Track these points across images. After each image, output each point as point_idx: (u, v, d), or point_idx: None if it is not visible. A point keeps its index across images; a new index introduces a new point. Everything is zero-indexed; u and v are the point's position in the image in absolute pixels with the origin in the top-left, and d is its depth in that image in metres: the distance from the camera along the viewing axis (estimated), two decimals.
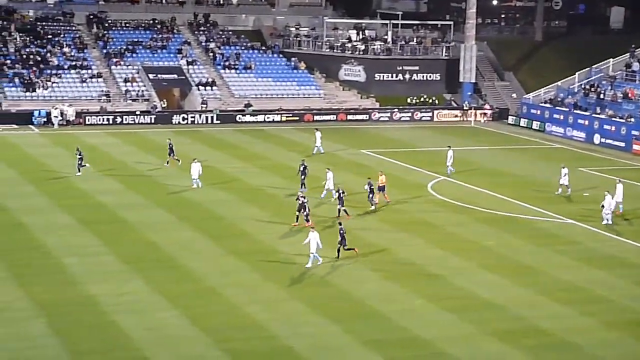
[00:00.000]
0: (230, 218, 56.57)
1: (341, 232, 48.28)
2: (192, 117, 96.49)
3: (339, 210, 57.05)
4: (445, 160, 71.43)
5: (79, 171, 66.67)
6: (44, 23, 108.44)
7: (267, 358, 35.88)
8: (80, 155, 67.07)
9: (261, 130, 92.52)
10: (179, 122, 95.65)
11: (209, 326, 38.48)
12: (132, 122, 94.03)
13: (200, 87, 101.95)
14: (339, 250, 48.27)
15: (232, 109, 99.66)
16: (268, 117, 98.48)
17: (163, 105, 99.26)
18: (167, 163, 70.92)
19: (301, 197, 55.43)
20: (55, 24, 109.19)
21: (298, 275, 45.68)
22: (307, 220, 54.18)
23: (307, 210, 54.63)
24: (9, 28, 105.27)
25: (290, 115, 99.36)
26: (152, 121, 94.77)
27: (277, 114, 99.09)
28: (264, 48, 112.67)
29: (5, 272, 44.68)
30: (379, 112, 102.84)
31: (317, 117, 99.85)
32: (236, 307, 40.95)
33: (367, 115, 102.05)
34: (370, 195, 59.16)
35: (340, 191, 57.63)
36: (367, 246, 51.21)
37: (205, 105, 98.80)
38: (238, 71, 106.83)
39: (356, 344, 37.25)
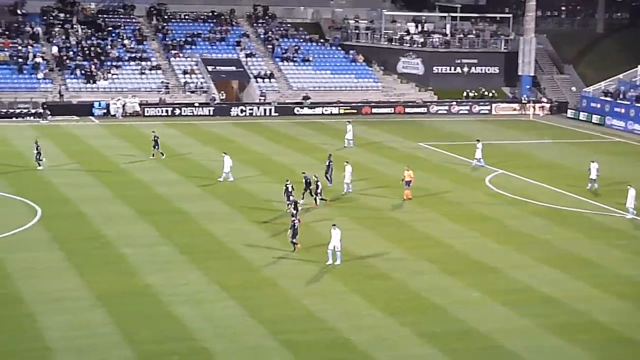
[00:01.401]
0: (280, 210, 56.66)
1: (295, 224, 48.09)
2: (250, 109, 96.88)
3: (315, 199, 57.11)
4: (474, 154, 71.32)
5: (40, 165, 66.01)
6: (105, 15, 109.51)
7: (324, 350, 35.92)
8: (37, 149, 66.27)
9: (319, 122, 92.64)
10: (237, 115, 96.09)
11: (266, 317, 38.63)
12: (191, 113, 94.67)
13: (259, 80, 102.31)
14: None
15: (290, 102, 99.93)
16: (326, 110, 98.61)
17: (221, 97, 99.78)
18: (153, 156, 70.74)
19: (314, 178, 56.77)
20: (116, 16, 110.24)
21: (355, 268, 45.71)
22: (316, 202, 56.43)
23: (318, 189, 56.47)
24: (71, 20, 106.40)
25: (348, 107, 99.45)
26: (211, 113, 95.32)
27: (335, 106, 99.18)
28: (322, 40, 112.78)
29: (66, 262, 45.24)
30: (436, 105, 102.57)
31: (374, 110, 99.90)
32: (293, 299, 41.07)
33: (425, 108, 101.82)
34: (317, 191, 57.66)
35: (317, 180, 57.47)
36: (424, 239, 51.18)
37: (263, 98, 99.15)
38: (296, 64, 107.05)
39: (413, 336, 37.21)
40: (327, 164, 63.31)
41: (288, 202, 54.42)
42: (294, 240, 47.70)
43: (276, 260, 46.33)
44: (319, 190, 57.15)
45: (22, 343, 35.42)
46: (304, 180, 57.67)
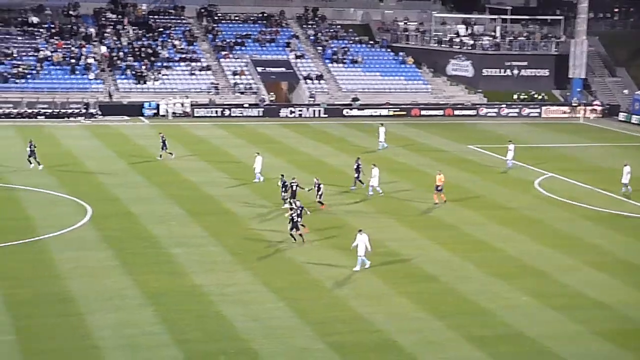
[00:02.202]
0: (335, 211, 56.74)
1: (294, 218, 48.83)
2: (299, 110, 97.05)
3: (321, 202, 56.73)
4: (506, 155, 71.16)
5: (30, 163, 65.83)
6: (155, 16, 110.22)
7: (371, 352, 35.87)
8: (31, 148, 66.07)
9: (368, 124, 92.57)
10: (286, 116, 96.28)
11: (314, 319, 38.66)
12: (240, 114, 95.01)
13: (308, 81, 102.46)
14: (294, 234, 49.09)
15: (339, 103, 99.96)
16: (375, 112, 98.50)
17: (271, 98, 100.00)
18: (160, 157, 70.79)
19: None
20: (166, 17, 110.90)
21: (402, 270, 45.63)
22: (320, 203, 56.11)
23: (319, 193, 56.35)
24: (122, 21, 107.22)
25: (397, 109, 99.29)
26: (260, 114, 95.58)
27: (384, 108, 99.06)
28: (371, 42, 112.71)
29: (116, 261, 45.57)
30: (486, 108, 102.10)
31: (423, 112, 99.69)
32: (341, 301, 41.06)
33: (474, 111, 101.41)
34: (318, 194, 57.40)
35: (319, 183, 57.16)
36: (472, 242, 50.98)
37: (312, 99, 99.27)
38: (346, 65, 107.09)
39: (460, 339, 37.06)
40: (355, 167, 62.96)
41: (290, 200, 54.96)
42: (292, 232, 48.74)
43: (325, 263, 46.30)
44: (320, 192, 56.78)
45: (72, 341, 35.72)
46: (280, 184, 57.14)
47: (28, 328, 36.67)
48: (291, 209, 49.94)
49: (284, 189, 56.55)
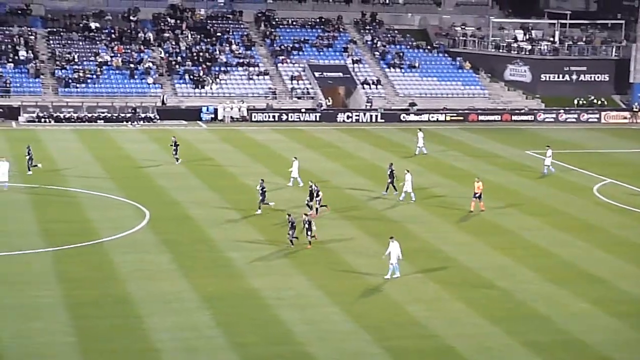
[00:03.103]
0: (393, 217, 56.71)
1: (293, 222, 48.88)
2: (356, 115, 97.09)
3: (316, 209, 55.85)
4: (544, 160, 70.67)
5: (29, 170, 65.68)
6: (214, 21, 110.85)
7: (428, 357, 35.85)
8: (29, 154, 66.16)
9: (424, 129, 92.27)
10: (343, 121, 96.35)
11: (370, 323, 38.68)
12: (297, 119, 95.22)
13: (365, 86, 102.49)
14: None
15: (397, 108, 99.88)
16: (432, 117, 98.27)
17: (328, 103, 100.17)
18: (178, 161, 70.70)
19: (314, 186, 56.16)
20: (224, 22, 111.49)
21: (459, 276, 45.51)
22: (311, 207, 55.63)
23: (317, 199, 55.57)
24: (181, 26, 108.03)
25: (455, 115, 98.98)
26: (317, 119, 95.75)
27: (442, 113, 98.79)
28: (429, 47, 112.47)
29: (173, 264, 45.93)
30: (544, 113, 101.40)
31: (481, 117, 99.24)
32: (397, 305, 41.05)
33: (532, 116, 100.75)
34: (317, 200, 56.47)
35: (316, 188, 56.47)
36: (530, 247, 50.72)
37: (369, 104, 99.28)
38: (403, 70, 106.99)
39: (518, 345, 36.87)
40: (388, 173, 62.67)
41: (310, 204, 55.42)
42: (292, 238, 48.90)
43: (381, 267, 46.25)
44: (319, 199, 56.05)
45: (131, 343, 36.09)
46: (260, 189, 56.81)
47: (88, 329, 37.10)
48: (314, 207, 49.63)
49: (262, 195, 56.34)
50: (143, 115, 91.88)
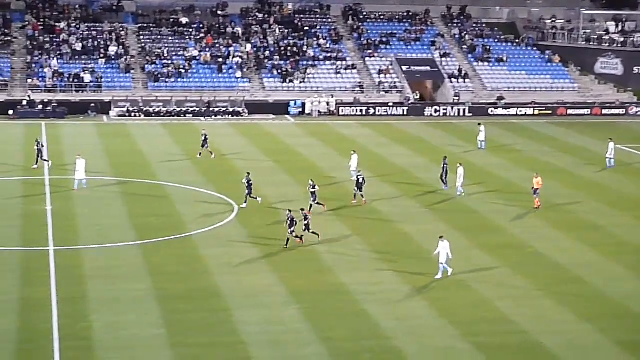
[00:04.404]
0: (482, 211, 56.38)
1: (292, 218, 47.81)
2: (444, 109, 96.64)
3: (311, 206, 54.77)
4: (606, 153, 69.64)
5: (36, 163, 65.62)
6: (301, 15, 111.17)
7: (516, 353, 35.57)
8: (38, 147, 66.24)
9: (512, 123, 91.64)
10: (430, 115, 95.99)
11: (458, 319, 38.53)
12: (385, 113, 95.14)
13: (453, 80, 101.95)
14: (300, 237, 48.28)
15: (484, 102, 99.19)
16: (520, 111, 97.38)
17: (416, 97, 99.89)
18: (200, 154, 70.59)
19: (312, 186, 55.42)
20: (312, 16, 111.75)
21: (549, 272, 45.06)
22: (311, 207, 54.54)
23: (313, 199, 54.93)
24: (269, 20, 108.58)
25: (543, 108, 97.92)
26: (405, 113, 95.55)
27: (530, 107, 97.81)
28: (517, 41, 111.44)
29: (261, 258, 46.20)
30: (636, 107, 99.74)
31: (570, 111, 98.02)
32: (486, 301, 40.81)
33: (624, 110, 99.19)
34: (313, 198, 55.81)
35: (314, 185, 55.65)
36: (621, 244, 50.06)
37: (457, 98, 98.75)
38: (491, 64, 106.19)
39: (608, 343, 36.40)
40: (442, 166, 62.13)
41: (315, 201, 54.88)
42: (291, 236, 47.84)
43: (469, 263, 46.06)
44: (314, 196, 55.41)
45: (220, 336, 36.44)
46: (245, 182, 56.29)
47: (178, 322, 37.54)
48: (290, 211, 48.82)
49: (248, 188, 55.97)
50: (232, 110, 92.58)
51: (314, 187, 55.24)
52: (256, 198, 56.60)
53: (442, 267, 43.69)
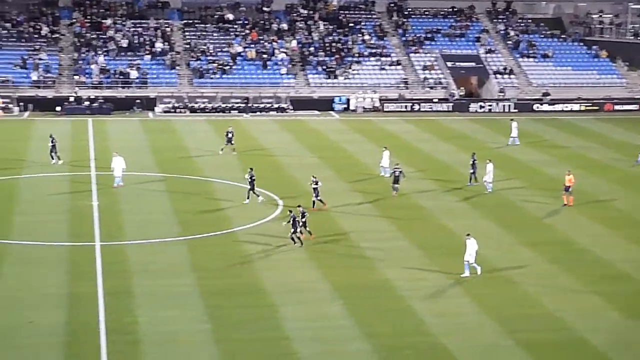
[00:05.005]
0: (526, 207, 56.12)
1: (294, 218, 46.98)
2: (489, 105, 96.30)
3: (314, 202, 54.58)
4: None
5: (52, 159, 65.80)
6: (346, 12, 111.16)
7: (560, 350, 35.37)
8: (52, 142, 66.11)
9: (558, 119, 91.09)
10: (475, 111, 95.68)
11: (502, 315, 38.38)
12: (429, 109, 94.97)
13: (498, 76, 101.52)
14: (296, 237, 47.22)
15: (530, 98, 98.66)
16: (566, 107, 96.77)
17: (460, 93, 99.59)
18: (222, 150, 70.57)
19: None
20: (357, 12, 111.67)
21: (594, 268, 44.78)
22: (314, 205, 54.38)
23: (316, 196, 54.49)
24: (313, 17, 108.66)
25: (590, 104, 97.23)
26: (449, 109, 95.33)
27: (576, 103, 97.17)
28: (563, 36, 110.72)
29: (306, 254, 46.25)
30: None
31: (617, 107, 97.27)
32: (531, 297, 40.63)
33: None
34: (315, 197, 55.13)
35: (317, 181, 55.02)
36: None
37: (502, 94, 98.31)
38: (536, 59, 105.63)
39: None
40: (471, 162, 61.76)
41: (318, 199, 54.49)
42: (294, 236, 47.06)
43: (513, 259, 45.89)
44: (316, 192, 54.97)
45: (264, 332, 36.54)
46: (248, 178, 56.08)
47: (222, 318, 37.72)
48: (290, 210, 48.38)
49: (250, 184, 55.78)
50: (276, 106, 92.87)
51: (316, 183, 55.03)
52: (258, 196, 56.45)
53: (467, 265, 43.22)
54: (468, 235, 43.57)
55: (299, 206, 49.19)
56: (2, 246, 46.83)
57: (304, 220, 47.97)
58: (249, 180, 56.22)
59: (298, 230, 47.28)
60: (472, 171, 61.32)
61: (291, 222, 47.36)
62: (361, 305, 39.46)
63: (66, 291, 40.47)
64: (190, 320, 37.56)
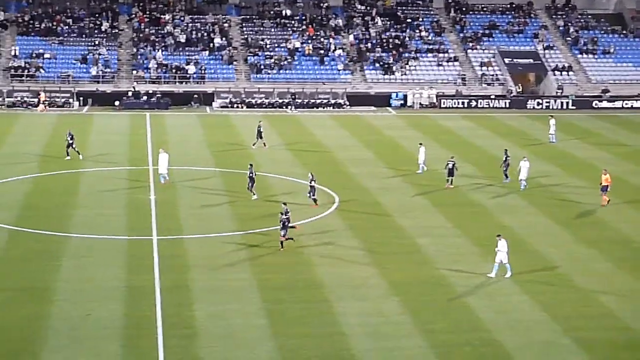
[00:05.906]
0: (583, 205, 55.69)
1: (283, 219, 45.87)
2: (547, 102, 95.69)
3: (314, 200, 54.13)
4: None
5: (68, 155, 65.69)
6: (403, 7, 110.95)
7: (618, 349, 35.04)
8: (71, 138, 66.07)
9: (618, 117, 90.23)
10: (533, 107, 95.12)
11: (560, 313, 38.11)
12: (487, 106, 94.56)
13: (556, 72, 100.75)
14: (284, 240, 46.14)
15: (589, 95, 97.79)
16: (626, 103, 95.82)
17: (518, 90, 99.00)
18: (254, 145, 70.70)
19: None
20: (414, 8, 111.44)
21: None
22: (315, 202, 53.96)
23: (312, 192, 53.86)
24: (370, 12, 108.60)
25: None
26: (507, 105, 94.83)
27: (637, 100, 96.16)
28: (624, 32, 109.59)
29: (362, 250, 46.31)
30: None
31: None
32: (588, 296, 40.33)
33: None
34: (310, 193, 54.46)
35: (313, 179, 54.38)
36: None
37: (560, 91, 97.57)
38: (596, 56, 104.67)
39: None
40: (503, 159, 61.25)
41: (312, 196, 53.98)
42: (283, 238, 45.95)
43: (571, 257, 45.58)
44: (313, 189, 54.33)
45: (320, 327, 36.62)
46: (249, 174, 55.77)
47: (279, 312, 37.84)
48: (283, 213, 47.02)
49: (250, 180, 55.47)
50: (333, 101, 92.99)
51: (312, 181, 54.62)
52: (253, 194, 56.02)
53: (496, 266, 42.45)
54: (499, 236, 43.08)
55: (284, 203, 47.91)
56: (62, 239, 47.38)
57: (287, 217, 46.31)
58: (249, 177, 56.08)
59: (286, 234, 46.16)
60: (504, 168, 61.01)
61: (280, 224, 46.37)
62: (417, 301, 39.42)
63: (124, 284, 40.85)
64: (248, 314, 37.72)
